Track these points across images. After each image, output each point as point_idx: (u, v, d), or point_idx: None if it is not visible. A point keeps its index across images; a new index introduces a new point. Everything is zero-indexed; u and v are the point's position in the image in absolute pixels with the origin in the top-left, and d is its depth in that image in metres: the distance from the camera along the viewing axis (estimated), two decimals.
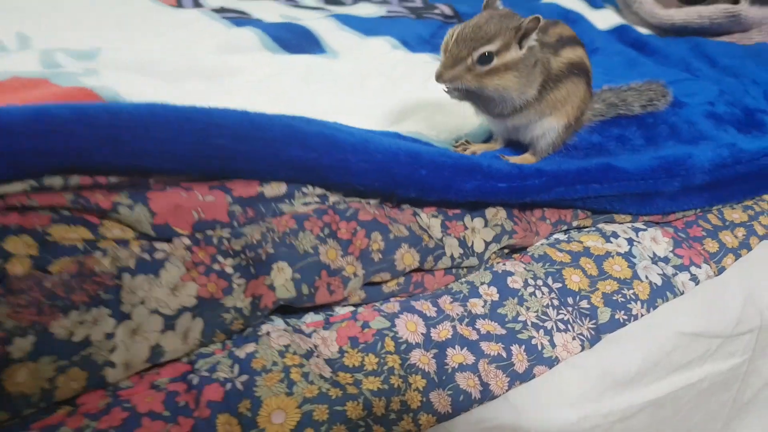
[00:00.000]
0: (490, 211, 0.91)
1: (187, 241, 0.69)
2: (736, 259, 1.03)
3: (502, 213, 0.91)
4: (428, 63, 1.34)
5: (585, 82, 0.97)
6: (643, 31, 1.77)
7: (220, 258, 0.69)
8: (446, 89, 0.91)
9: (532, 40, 0.87)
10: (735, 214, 1.11)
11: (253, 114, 0.75)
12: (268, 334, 0.69)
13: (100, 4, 1.41)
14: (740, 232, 1.07)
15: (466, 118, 1.04)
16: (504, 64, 0.85)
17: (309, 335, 0.72)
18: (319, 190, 0.79)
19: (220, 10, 1.50)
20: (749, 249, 1.06)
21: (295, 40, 1.38)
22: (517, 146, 1.03)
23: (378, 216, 0.80)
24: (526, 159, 0.99)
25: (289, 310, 0.75)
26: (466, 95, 0.92)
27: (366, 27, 1.51)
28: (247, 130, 0.72)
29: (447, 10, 1.79)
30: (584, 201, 0.97)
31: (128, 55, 1.14)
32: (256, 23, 1.43)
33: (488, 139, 1.06)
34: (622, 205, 1.00)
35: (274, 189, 0.76)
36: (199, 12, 1.46)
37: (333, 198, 0.81)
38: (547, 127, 0.96)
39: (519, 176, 0.89)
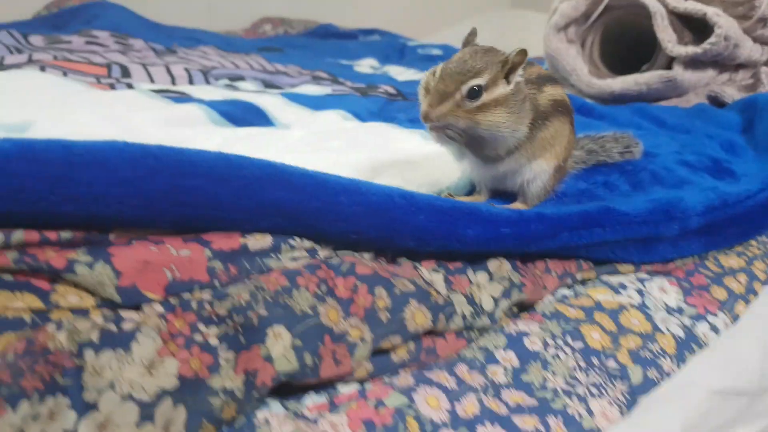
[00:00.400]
0: (493, 264, 0.80)
1: (160, 308, 0.54)
2: (747, 305, 0.96)
3: (506, 265, 0.80)
4: (387, 128, 1.27)
5: (569, 121, 0.92)
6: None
7: (201, 326, 0.55)
8: (432, 132, 0.82)
9: (518, 75, 0.81)
10: (731, 260, 1.06)
11: (229, 154, 0.63)
12: (267, 422, 0.54)
13: (28, 85, 1.29)
14: (742, 278, 1.02)
15: (444, 171, 0.96)
16: (494, 99, 0.79)
17: (315, 421, 0.56)
18: (307, 243, 0.67)
19: (158, 91, 1.40)
20: (756, 294, 1.00)
21: (242, 114, 1.29)
22: (503, 196, 0.95)
23: (378, 269, 0.68)
24: (516, 207, 0.90)
25: (282, 390, 0.59)
26: (453, 137, 0.83)
27: (314, 103, 1.45)
28: (224, 169, 0.60)
29: (390, 90, 1.76)
30: (587, 249, 0.89)
31: (64, 128, 1.00)
32: (198, 101, 1.33)
33: (471, 191, 0.97)
34: (625, 252, 0.93)
35: (259, 241, 0.63)
36: (136, 92, 1.35)
37: (323, 252, 0.68)
38: (538, 171, 0.89)
39: (521, 221, 0.80)
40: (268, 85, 1.76)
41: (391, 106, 1.56)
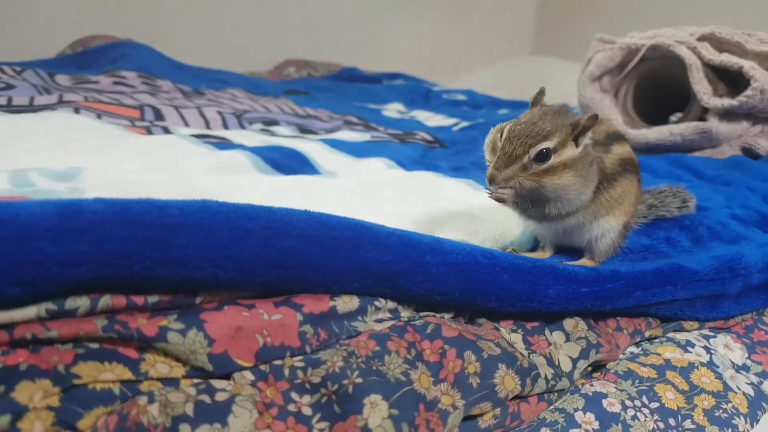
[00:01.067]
0: (568, 323, 0.78)
1: (251, 376, 0.52)
2: None
3: (582, 324, 0.79)
4: (434, 177, 1.27)
5: (637, 179, 0.91)
6: None
7: (294, 395, 0.53)
8: (495, 194, 0.80)
9: (587, 138, 0.80)
10: None
11: (320, 213, 0.62)
12: None
13: (65, 128, 1.28)
14: None
15: (507, 225, 0.94)
16: (562, 162, 0.77)
17: None
18: (391, 304, 0.65)
19: (199, 136, 1.40)
20: None
21: (287, 161, 1.29)
22: (567, 251, 0.93)
23: (463, 332, 0.66)
24: (584, 264, 0.89)
25: None
26: (516, 202, 0.82)
27: (355, 150, 1.45)
28: (317, 229, 0.59)
29: (427, 136, 1.76)
30: (657, 307, 0.87)
31: (114, 175, 0.99)
32: (240, 147, 1.33)
33: (535, 247, 0.96)
34: (693, 310, 0.92)
35: (347, 303, 0.61)
36: (176, 137, 1.34)
37: (406, 313, 0.67)
38: (606, 228, 0.88)
39: (598, 279, 0.78)
40: (303, 129, 1.76)
41: (431, 154, 1.57)
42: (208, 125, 1.69)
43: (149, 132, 1.45)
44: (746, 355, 0.91)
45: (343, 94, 2.60)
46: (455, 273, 0.66)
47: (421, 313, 0.68)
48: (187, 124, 1.66)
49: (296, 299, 0.59)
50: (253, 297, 0.58)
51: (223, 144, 1.38)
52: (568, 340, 0.77)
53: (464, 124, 2.16)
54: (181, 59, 2.73)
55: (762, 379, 0.87)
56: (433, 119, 2.29)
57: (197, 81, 2.43)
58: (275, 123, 1.79)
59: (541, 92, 0.85)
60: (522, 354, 0.69)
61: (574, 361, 0.75)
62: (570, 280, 0.75)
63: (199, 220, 0.53)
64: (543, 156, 0.76)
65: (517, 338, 0.73)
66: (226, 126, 1.71)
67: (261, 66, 3.15)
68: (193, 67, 2.69)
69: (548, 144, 0.76)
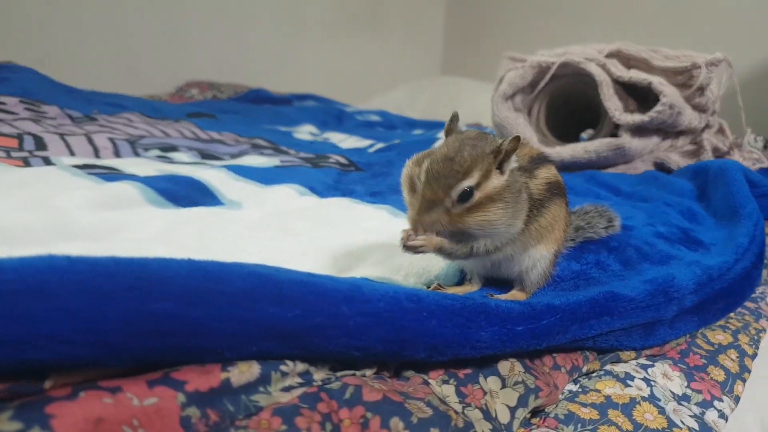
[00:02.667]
0: (504, 366, 0.70)
1: None
2: (744, 385, 0.92)
3: (518, 366, 0.71)
4: (351, 204, 1.17)
5: (565, 203, 0.85)
6: None
7: None
8: (410, 243, 0.70)
9: (513, 162, 0.73)
10: (718, 335, 1.03)
11: (206, 263, 0.50)
12: None
13: None
14: (733, 355, 0.98)
15: (431, 258, 0.86)
16: (487, 196, 0.70)
17: None
18: (300, 366, 0.54)
19: (83, 167, 1.24)
20: (749, 372, 0.96)
21: (184, 192, 1.15)
22: (497, 282, 0.86)
23: (387, 392, 0.56)
24: (515, 296, 0.82)
25: None
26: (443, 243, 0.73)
27: (263, 176, 1.33)
28: (202, 284, 0.47)
29: (342, 159, 1.67)
30: (594, 340, 0.81)
31: None
32: (130, 177, 1.19)
33: (462, 280, 0.87)
34: (629, 339, 0.87)
35: (244, 373, 0.50)
36: (56, 168, 1.18)
37: (319, 374, 0.56)
38: (537, 258, 0.81)
39: (533, 316, 0.71)
40: (205, 155, 1.62)
41: (347, 178, 1.47)
42: (97, 153, 1.53)
43: (26, 163, 1.27)
44: (685, 383, 0.87)
45: (251, 116, 2.46)
46: (377, 323, 0.56)
47: (338, 373, 0.57)
48: (72, 153, 1.48)
49: (177, 374, 0.47)
50: (121, 375, 0.46)
51: (112, 175, 1.22)
52: (504, 386, 0.68)
53: (380, 145, 2.08)
54: (73, 83, 2.52)
55: (704, 409, 0.83)
56: (347, 141, 2.21)
57: (89, 105, 2.23)
58: (174, 149, 1.64)
59: (455, 118, 0.76)
60: (456, 411, 0.60)
61: (513, 411, 0.67)
62: (504, 319, 0.67)
63: (42, 284, 0.41)
64: (466, 195, 0.68)
65: (449, 390, 0.64)
66: (117, 154, 1.55)
67: (161, 89, 2.97)
68: (85, 91, 2.48)
69: (470, 182, 0.68)
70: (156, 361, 0.47)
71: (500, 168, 0.71)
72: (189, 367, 0.48)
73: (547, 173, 0.82)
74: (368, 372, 0.60)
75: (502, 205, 0.71)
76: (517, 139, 0.71)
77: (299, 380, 0.54)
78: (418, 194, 0.69)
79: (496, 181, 0.70)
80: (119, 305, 0.43)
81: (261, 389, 0.51)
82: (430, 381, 0.63)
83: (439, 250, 0.71)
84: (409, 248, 0.69)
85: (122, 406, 0.42)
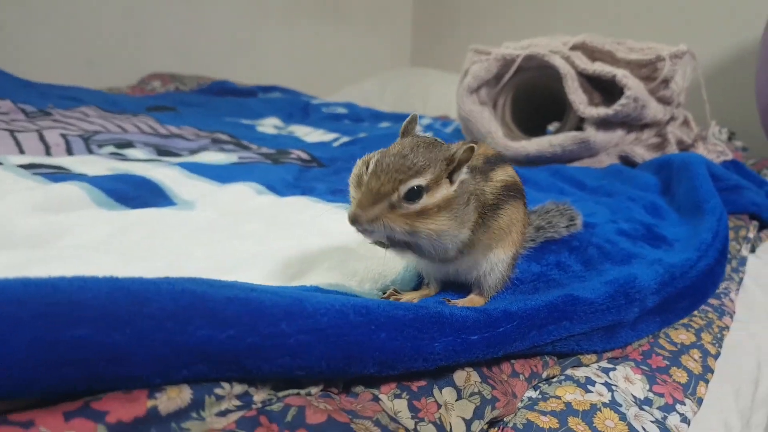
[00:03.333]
0: (459, 376, 0.68)
1: None
2: (707, 386, 0.91)
3: (474, 376, 0.68)
4: (309, 203, 1.13)
5: (523, 203, 0.82)
6: None
7: None
8: (364, 233, 0.68)
9: (463, 173, 0.70)
10: (681, 334, 1.02)
11: (126, 280, 0.46)
12: None
13: None
14: (696, 355, 0.97)
15: (388, 262, 0.83)
16: (436, 204, 0.66)
17: None
18: (238, 388, 0.51)
19: (29, 166, 1.18)
20: (712, 372, 0.95)
21: (134, 192, 1.11)
22: (456, 286, 0.83)
23: (332, 413, 0.53)
24: (473, 301, 0.79)
25: None
26: (384, 243, 0.71)
27: (219, 174, 1.28)
28: (123, 306, 0.44)
29: (303, 155, 1.63)
30: (554, 345, 0.79)
31: None
32: (78, 177, 1.13)
33: (419, 284, 0.85)
34: (590, 343, 0.85)
35: (174, 399, 0.46)
36: (1, 169, 1.12)
37: (260, 395, 0.52)
38: (494, 261, 0.78)
39: (489, 323, 0.68)
40: (162, 151, 1.57)
41: (307, 175, 1.43)
42: (48, 151, 1.47)
43: None
44: (647, 386, 0.85)
45: (213, 109, 2.40)
46: (321, 340, 0.53)
47: (281, 393, 0.54)
48: (22, 151, 1.43)
49: (98, 404, 0.43)
50: (38, 408, 0.42)
51: (59, 174, 1.17)
52: (459, 397, 0.66)
53: (345, 139, 2.05)
54: (28, 76, 2.44)
55: (666, 414, 0.81)
56: (312, 134, 2.16)
57: (44, 99, 2.16)
58: (129, 145, 1.58)
59: (413, 120, 0.73)
60: (407, 428, 0.57)
61: (468, 423, 0.64)
62: (458, 328, 0.65)
63: None
64: (414, 194, 0.65)
65: (401, 405, 0.61)
66: (70, 151, 1.49)
67: (122, 81, 2.89)
68: (42, 85, 2.40)
69: (420, 180, 0.65)
70: (75, 391, 0.43)
71: (451, 177, 0.68)
72: (112, 395, 0.44)
73: (502, 175, 0.79)
74: (314, 390, 0.57)
75: (450, 216, 0.67)
76: (471, 148, 0.67)
77: (237, 403, 0.51)
78: (363, 187, 0.65)
79: (446, 190, 0.67)
80: (28, 334, 0.40)
81: (193, 415, 0.47)
82: (380, 396, 0.60)
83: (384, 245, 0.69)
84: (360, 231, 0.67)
85: None
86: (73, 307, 0.42)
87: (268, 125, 2.30)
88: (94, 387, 0.44)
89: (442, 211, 0.66)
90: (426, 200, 0.65)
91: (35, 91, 2.26)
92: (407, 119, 0.73)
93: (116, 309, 0.43)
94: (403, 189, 0.64)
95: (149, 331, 0.44)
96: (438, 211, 0.66)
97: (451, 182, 0.68)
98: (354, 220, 0.64)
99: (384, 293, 0.80)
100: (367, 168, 0.67)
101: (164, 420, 0.45)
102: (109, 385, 0.44)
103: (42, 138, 1.53)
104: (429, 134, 0.75)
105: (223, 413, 0.49)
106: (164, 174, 1.23)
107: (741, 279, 1.32)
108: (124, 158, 1.45)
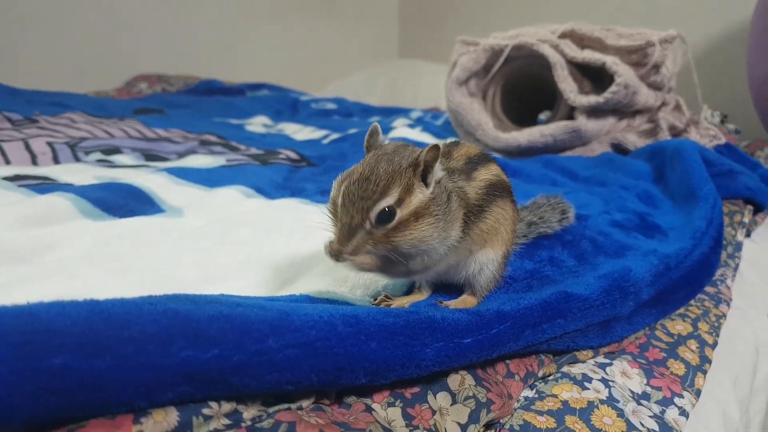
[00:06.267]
0: (453, 380, 0.67)
1: None
2: (705, 377, 0.90)
3: (468, 379, 0.68)
4: (299, 205, 1.12)
5: (510, 201, 0.81)
6: None
7: None
8: (353, 263, 0.66)
9: (438, 172, 0.68)
10: (677, 325, 1.01)
11: (106, 303, 0.45)
12: None
13: None
14: (693, 345, 0.96)
15: None
16: (412, 212, 0.65)
17: None
18: (227, 406, 0.50)
19: (14, 178, 1.17)
20: (710, 362, 0.94)
21: (121, 201, 1.09)
22: (448, 288, 0.82)
23: (324, 427, 0.52)
24: (466, 301, 0.78)
25: None
26: (373, 269, 0.68)
27: (207, 178, 1.27)
28: (102, 331, 0.43)
29: (292, 155, 1.61)
30: (549, 343, 0.78)
31: None
32: (65, 188, 1.12)
33: (410, 289, 0.84)
34: (585, 339, 0.84)
35: (160, 423, 0.45)
36: None
37: (250, 412, 0.51)
38: (485, 261, 0.77)
39: (482, 325, 0.68)
40: (150, 156, 1.55)
41: (297, 175, 1.42)
42: (34, 160, 1.45)
43: None
44: (645, 380, 0.85)
45: (201, 109, 2.38)
46: (309, 354, 0.52)
47: (271, 408, 0.53)
48: (8, 162, 1.41)
49: (82, 431, 0.42)
50: None
51: (44, 186, 1.15)
52: (454, 402, 0.65)
53: (335, 135, 2.03)
54: (15, 83, 2.41)
55: (664, 408, 0.81)
56: (301, 132, 2.15)
57: (30, 106, 2.13)
58: (117, 151, 1.57)
59: (374, 132, 0.71)
60: None
61: (464, 428, 0.63)
62: (450, 333, 0.64)
63: None
64: (386, 216, 0.64)
65: (395, 414, 0.60)
66: (56, 159, 1.47)
67: (109, 84, 2.86)
68: (28, 91, 2.38)
69: (388, 201, 0.63)
70: (58, 420, 0.42)
71: (425, 180, 0.67)
72: (96, 422, 0.43)
73: (486, 174, 0.78)
74: (305, 403, 0.56)
75: (431, 220, 0.66)
76: (436, 147, 0.66)
77: (226, 422, 0.50)
78: (338, 221, 0.64)
79: (421, 195, 0.66)
80: (5, 366, 0.39)
81: None
82: (373, 406, 0.60)
83: (370, 271, 0.67)
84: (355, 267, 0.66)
85: None
86: (51, 335, 0.41)
87: (257, 124, 2.28)
88: (76, 414, 0.43)
89: (421, 218, 0.65)
90: (400, 214, 0.64)
91: (22, 99, 2.23)
92: (368, 131, 0.71)
93: (95, 335, 0.42)
94: (373, 215, 0.63)
95: (130, 355, 0.43)
96: (416, 219, 0.65)
97: (426, 185, 0.67)
98: (338, 257, 0.63)
99: (375, 299, 0.79)
100: (337, 202, 0.66)
101: None
102: (92, 412, 0.43)
103: (28, 147, 1.51)
104: (393, 143, 0.73)
105: None
106: (152, 181, 1.21)
107: (737, 265, 1.31)
108: (112, 165, 1.44)
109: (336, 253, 0.62)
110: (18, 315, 0.41)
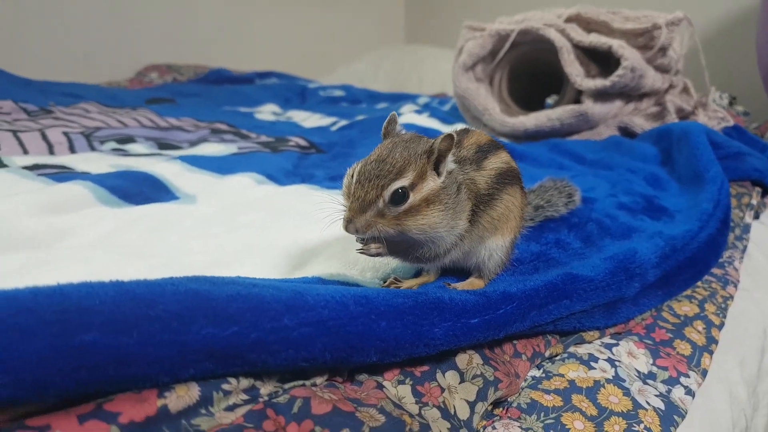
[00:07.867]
0: (462, 359, 0.69)
1: None
2: (711, 357, 0.92)
3: (476, 358, 0.70)
4: (308, 191, 1.14)
5: (519, 188, 0.82)
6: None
7: None
8: (361, 246, 0.70)
9: (450, 163, 0.70)
10: (684, 306, 1.02)
11: (130, 283, 0.48)
12: None
13: None
14: (700, 326, 0.98)
15: None
16: (423, 198, 0.67)
17: None
18: (245, 382, 0.53)
19: (33, 167, 1.20)
20: (716, 343, 0.95)
21: (136, 188, 1.12)
22: (455, 271, 0.84)
23: (337, 402, 0.54)
24: (473, 284, 0.80)
25: None
26: (387, 247, 0.71)
27: (219, 166, 1.29)
28: (129, 310, 0.45)
29: (302, 142, 1.63)
30: (555, 324, 0.80)
31: None
32: (82, 176, 1.15)
33: (419, 271, 0.86)
34: (592, 320, 0.86)
35: (182, 397, 0.48)
36: (5, 171, 1.14)
37: (266, 388, 0.54)
38: (493, 247, 0.79)
39: (489, 306, 0.70)
40: (163, 144, 1.58)
41: (306, 162, 1.44)
42: (51, 150, 1.48)
43: None
44: (651, 360, 0.86)
45: (211, 98, 2.40)
46: (323, 332, 0.55)
47: (287, 385, 0.56)
48: (26, 151, 1.44)
49: (110, 405, 0.45)
50: (51, 411, 0.44)
51: (62, 174, 1.18)
52: (462, 380, 0.67)
53: (343, 122, 2.05)
54: (27, 74, 2.44)
55: (670, 387, 0.82)
56: (310, 119, 2.16)
57: (45, 97, 2.16)
58: (131, 140, 1.59)
59: (392, 120, 0.74)
60: (411, 414, 0.59)
61: (472, 406, 0.66)
62: (458, 313, 0.66)
63: None
64: (399, 197, 0.66)
65: (405, 391, 0.63)
66: (72, 149, 1.50)
67: (120, 74, 2.89)
68: (42, 82, 2.41)
69: (402, 182, 0.66)
70: (87, 394, 0.45)
71: (437, 169, 0.69)
72: (123, 396, 0.46)
73: (496, 162, 0.79)
74: (319, 379, 0.58)
75: (441, 207, 0.68)
76: (451, 137, 0.68)
77: (244, 397, 0.52)
78: (351, 197, 0.67)
79: (432, 183, 0.68)
80: (39, 341, 0.41)
81: (203, 411, 0.49)
82: (384, 383, 0.62)
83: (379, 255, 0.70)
84: (367, 254, 0.69)
85: None
86: (82, 313, 0.43)
87: (267, 112, 2.30)
88: (105, 389, 0.45)
89: (431, 205, 0.67)
90: (413, 198, 0.66)
91: (35, 89, 2.26)
92: (386, 120, 0.74)
93: (123, 313, 0.45)
94: (387, 194, 0.65)
95: (156, 332, 0.46)
96: (427, 205, 0.67)
97: (438, 174, 0.69)
98: (348, 228, 0.66)
99: (385, 282, 0.81)
100: (353, 178, 0.68)
101: (174, 418, 0.47)
102: (119, 387, 0.46)
103: (45, 137, 1.54)
104: (409, 132, 0.76)
105: (231, 408, 0.51)
106: (166, 169, 1.24)
107: (745, 247, 1.32)
108: (126, 153, 1.46)
109: (348, 223, 0.65)
110: (51, 294, 0.43)
